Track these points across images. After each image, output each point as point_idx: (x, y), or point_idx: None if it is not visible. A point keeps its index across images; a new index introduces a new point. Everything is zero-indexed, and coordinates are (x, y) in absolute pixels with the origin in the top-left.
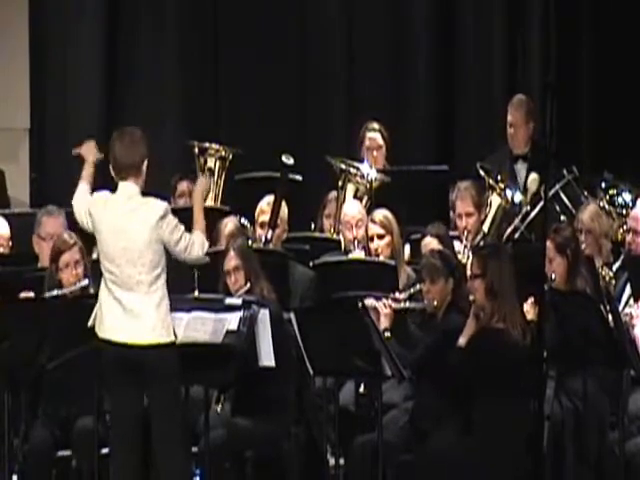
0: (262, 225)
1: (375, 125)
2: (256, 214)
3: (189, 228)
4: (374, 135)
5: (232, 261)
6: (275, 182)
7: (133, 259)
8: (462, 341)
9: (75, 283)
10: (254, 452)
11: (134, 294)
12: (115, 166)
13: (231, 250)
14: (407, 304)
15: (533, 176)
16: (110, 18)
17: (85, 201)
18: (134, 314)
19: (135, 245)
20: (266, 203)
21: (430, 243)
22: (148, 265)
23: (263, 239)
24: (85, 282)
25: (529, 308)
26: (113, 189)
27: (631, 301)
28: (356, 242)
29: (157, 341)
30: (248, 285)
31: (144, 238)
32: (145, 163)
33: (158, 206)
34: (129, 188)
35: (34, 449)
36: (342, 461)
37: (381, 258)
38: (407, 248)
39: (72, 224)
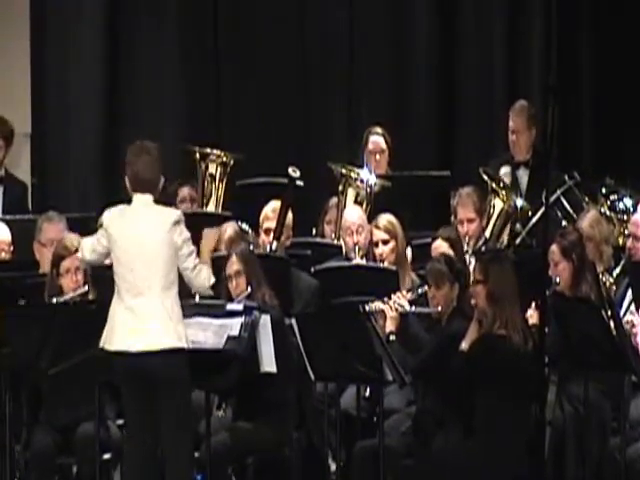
0: (267, 231)
1: (378, 129)
2: (261, 220)
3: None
4: (377, 139)
5: (234, 266)
6: (278, 189)
7: (148, 261)
8: (464, 345)
9: (75, 289)
10: (255, 457)
11: (145, 299)
12: (135, 181)
13: (233, 255)
14: (413, 308)
15: None
16: (110, 20)
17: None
18: (145, 319)
19: (149, 247)
20: (271, 209)
21: (440, 246)
22: (162, 268)
23: (268, 249)
24: (85, 288)
25: (532, 312)
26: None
27: (632, 307)
28: (357, 248)
29: (169, 346)
30: (249, 290)
31: (158, 241)
32: (162, 179)
33: (172, 212)
34: (145, 198)
35: (36, 455)
36: (343, 466)
37: (386, 264)
38: (408, 253)
39: (72, 230)
